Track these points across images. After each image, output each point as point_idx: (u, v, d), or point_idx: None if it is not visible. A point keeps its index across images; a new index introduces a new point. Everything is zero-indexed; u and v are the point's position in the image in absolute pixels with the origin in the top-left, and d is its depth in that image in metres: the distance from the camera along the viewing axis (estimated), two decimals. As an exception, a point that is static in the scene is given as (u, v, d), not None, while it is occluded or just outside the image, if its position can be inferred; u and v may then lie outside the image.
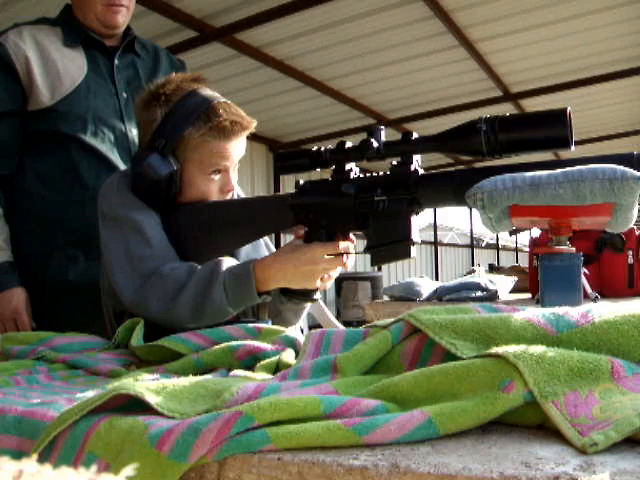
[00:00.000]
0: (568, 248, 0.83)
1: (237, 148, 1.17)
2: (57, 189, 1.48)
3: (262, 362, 0.79)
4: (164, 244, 1.12)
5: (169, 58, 1.73)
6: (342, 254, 1.04)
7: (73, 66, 1.50)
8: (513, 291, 3.11)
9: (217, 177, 1.17)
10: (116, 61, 1.57)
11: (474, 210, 0.84)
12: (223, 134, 1.13)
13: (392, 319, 0.70)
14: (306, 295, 1.11)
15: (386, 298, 3.75)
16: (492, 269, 5.62)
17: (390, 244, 0.96)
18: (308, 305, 1.20)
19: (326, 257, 1.03)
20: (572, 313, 0.60)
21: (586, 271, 2.04)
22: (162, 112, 1.14)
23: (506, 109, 5.82)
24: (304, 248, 1.03)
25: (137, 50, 1.63)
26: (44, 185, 1.48)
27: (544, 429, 0.49)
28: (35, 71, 1.45)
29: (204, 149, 1.14)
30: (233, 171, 1.19)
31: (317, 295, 1.12)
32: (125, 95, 1.56)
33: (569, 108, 0.80)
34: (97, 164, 1.49)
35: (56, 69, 1.47)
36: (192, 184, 1.16)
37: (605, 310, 0.59)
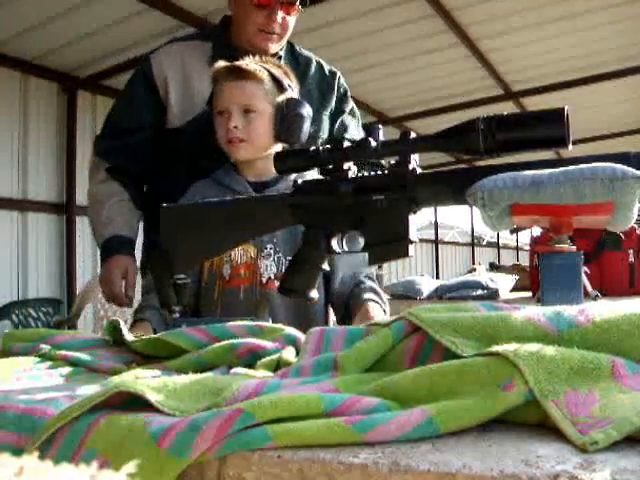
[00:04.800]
0: (569, 247, 0.83)
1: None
2: None
3: (263, 360, 0.79)
4: None
5: (320, 72, 1.71)
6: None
7: (209, 87, 1.52)
8: (514, 289, 3.12)
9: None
10: None
11: (475, 209, 0.84)
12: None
13: (393, 317, 0.70)
14: (302, 294, 1.10)
15: (387, 296, 3.75)
16: (493, 267, 5.63)
17: (388, 243, 0.96)
18: None
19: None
20: (573, 312, 0.60)
21: (587, 270, 2.04)
22: None
23: (507, 108, 5.81)
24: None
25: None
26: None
27: (544, 428, 0.49)
28: (171, 92, 1.52)
29: None
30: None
31: (314, 294, 1.12)
32: None
33: (566, 107, 0.80)
34: None
35: (191, 91, 1.51)
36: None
37: (606, 309, 0.59)
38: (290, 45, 1.68)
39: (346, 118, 1.71)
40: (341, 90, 1.73)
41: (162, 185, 1.59)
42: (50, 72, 4.62)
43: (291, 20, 1.55)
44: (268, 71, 1.37)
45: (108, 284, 1.50)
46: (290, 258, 1.32)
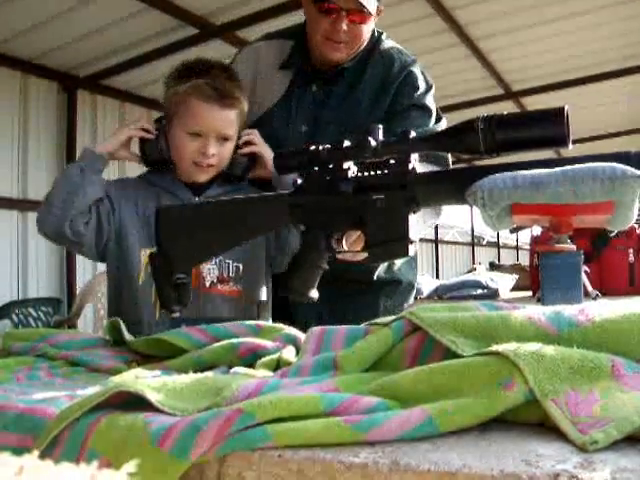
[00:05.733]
0: (569, 246, 0.83)
1: None
2: None
3: (263, 359, 0.79)
4: None
5: (385, 71, 1.55)
6: None
7: (270, 92, 1.49)
8: (514, 289, 3.12)
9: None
10: (314, 87, 1.52)
11: (475, 208, 0.84)
12: None
13: (393, 317, 0.70)
14: (302, 295, 1.10)
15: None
16: (493, 267, 5.63)
17: (388, 243, 0.96)
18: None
19: None
20: (573, 311, 0.60)
21: (586, 269, 2.04)
22: None
23: (507, 107, 5.80)
24: None
25: (342, 81, 1.53)
26: None
27: (544, 427, 0.49)
28: None
29: None
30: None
31: (314, 294, 1.12)
32: (305, 128, 1.51)
33: (567, 107, 0.80)
34: None
35: (254, 96, 1.48)
36: None
37: (606, 308, 0.59)
38: (377, 38, 1.56)
39: (402, 113, 1.54)
40: (405, 87, 1.55)
41: None
42: (50, 71, 4.62)
43: (363, 28, 1.45)
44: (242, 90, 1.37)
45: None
46: (233, 260, 1.35)
